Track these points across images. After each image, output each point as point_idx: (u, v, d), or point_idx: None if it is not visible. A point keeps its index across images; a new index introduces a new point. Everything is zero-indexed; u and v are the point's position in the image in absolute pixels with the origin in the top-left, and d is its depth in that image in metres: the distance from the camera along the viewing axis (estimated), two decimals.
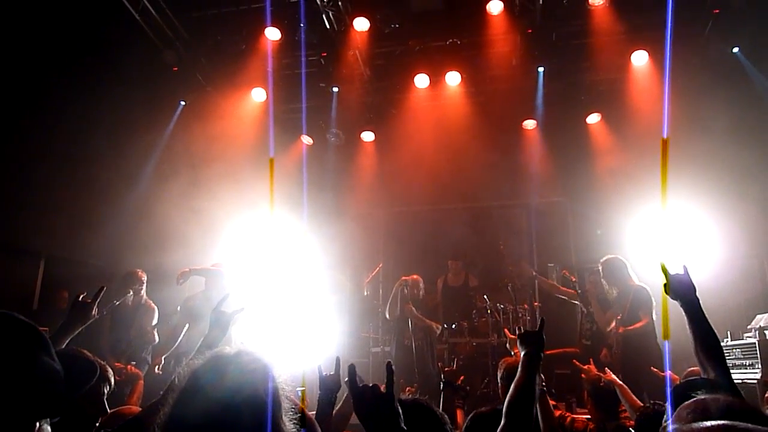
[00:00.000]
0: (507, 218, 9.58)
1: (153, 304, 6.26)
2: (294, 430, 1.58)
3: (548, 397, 3.74)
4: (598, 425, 4.01)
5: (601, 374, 4.25)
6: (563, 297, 7.27)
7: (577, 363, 4.45)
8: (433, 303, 7.96)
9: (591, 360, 4.40)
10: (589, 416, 4.24)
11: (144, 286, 6.18)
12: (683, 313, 2.66)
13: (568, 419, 4.22)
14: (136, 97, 8.17)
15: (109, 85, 7.66)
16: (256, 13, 8.15)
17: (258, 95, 9.16)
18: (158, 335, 6.17)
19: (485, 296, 7.82)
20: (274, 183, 9.25)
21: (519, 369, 2.49)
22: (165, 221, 7.09)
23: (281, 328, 7.05)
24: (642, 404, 3.78)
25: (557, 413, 4.28)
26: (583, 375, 4.32)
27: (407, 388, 5.51)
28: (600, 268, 6.53)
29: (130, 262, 6.74)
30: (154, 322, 6.22)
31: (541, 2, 7.92)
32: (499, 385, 4.24)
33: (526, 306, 8.12)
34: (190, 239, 6.83)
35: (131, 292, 5.95)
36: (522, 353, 2.55)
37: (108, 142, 7.82)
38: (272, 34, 8.37)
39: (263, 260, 7.74)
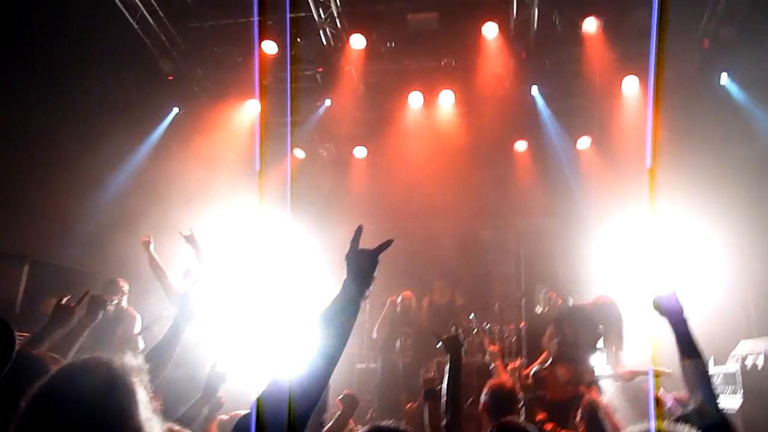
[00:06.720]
0: (496, 238, 9.63)
1: (135, 312, 6.20)
2: None
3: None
4: None
5: (586, 392, 4.25)
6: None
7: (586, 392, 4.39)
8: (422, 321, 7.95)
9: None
10: None
11: (125, 296, 6.12)
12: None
13: None
14: (129, 104, 8.18)
15: (102, 90, 7.66)
16: (254, 26, 8.21)
17: (252, 107, 9.19)
18: (143, 342, 6.11)
19: (472, 315, 7.81)
20: (265, 195, 9.29)
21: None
22: (150, 230, 7.01)
23: (264, 341, 7.00)
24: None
25: (547, 427, 4.26)
26: (585, 400, 4.26)
27: (409, 405, 5.45)
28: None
29: (112, 270, 6.68)
30: (138, 329, 6.16)
31: (535, 27, 8.06)
32: (481, 406, 4.24)
33: (512, 326, 8.15)
34: (175, 251, 6.75)
35: (115, 301, 5.89)
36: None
37: (97, 147, 7.80)
38: (269, 47, 8.44)
39: (250, 272, 7.70)
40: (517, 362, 5.88)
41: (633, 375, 5.90)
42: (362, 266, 1.98)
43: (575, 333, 5.94)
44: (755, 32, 7.36)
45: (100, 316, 3.36)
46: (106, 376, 1.52)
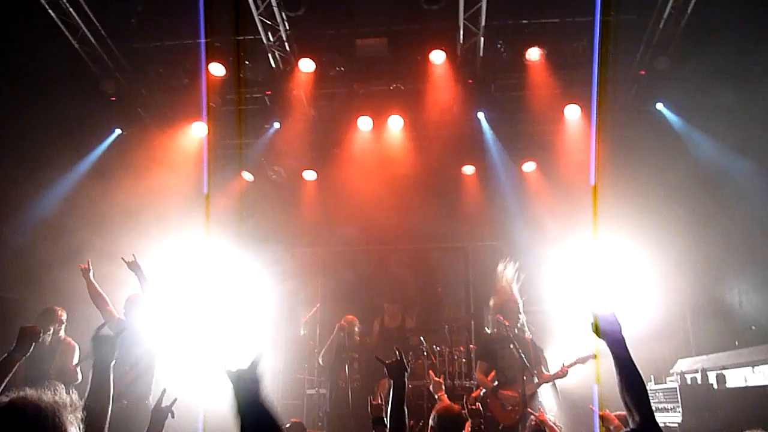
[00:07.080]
0: (445, 261, 9.71)
1: (73, 342, 5.91)
2: None
3: None
4: None
5: (534, 413, 4.31)
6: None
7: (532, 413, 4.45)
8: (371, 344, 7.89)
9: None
10: None
11: (63, 325, 5.83)
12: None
13: None
14: (69, 125, 7.92)
15: (39, 112, 7.40)
16: (200, 48, 8.11)
17: (199, 130, 9.04)
18: (81, 373, 5.83)
19: (421, 338, 7.81)
20: (213, 218, 9.09)
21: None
22: (91, 256, 6.73)
23: (209, 366, 6.81)
24: None
25: None
26: (532, 421, 4.33)
27: None
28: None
29: (49, 298, 6.36)
30: (76, 360, 5.87)
31: (481, 54, 8.27)
32: (429, 430, 4.22)
33: (462, 348, 8.18)
34: (117, 277, 6.50)
35: (51, 330, 5.61)
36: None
37: (34, 169, 7.51)
38: (216, 69, 8.35)
39: (196, 295, 7.50)
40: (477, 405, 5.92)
41: (565, 370, 6.06)
42: (242, 388, 2.03)
43: (519, 350, 6.03)
44: (686, 63, 7.78)
45: (32, 349, 3.18)
46: (33, 415, 1.44)
